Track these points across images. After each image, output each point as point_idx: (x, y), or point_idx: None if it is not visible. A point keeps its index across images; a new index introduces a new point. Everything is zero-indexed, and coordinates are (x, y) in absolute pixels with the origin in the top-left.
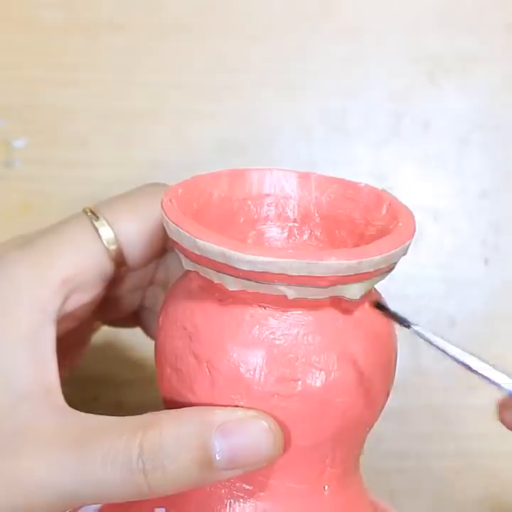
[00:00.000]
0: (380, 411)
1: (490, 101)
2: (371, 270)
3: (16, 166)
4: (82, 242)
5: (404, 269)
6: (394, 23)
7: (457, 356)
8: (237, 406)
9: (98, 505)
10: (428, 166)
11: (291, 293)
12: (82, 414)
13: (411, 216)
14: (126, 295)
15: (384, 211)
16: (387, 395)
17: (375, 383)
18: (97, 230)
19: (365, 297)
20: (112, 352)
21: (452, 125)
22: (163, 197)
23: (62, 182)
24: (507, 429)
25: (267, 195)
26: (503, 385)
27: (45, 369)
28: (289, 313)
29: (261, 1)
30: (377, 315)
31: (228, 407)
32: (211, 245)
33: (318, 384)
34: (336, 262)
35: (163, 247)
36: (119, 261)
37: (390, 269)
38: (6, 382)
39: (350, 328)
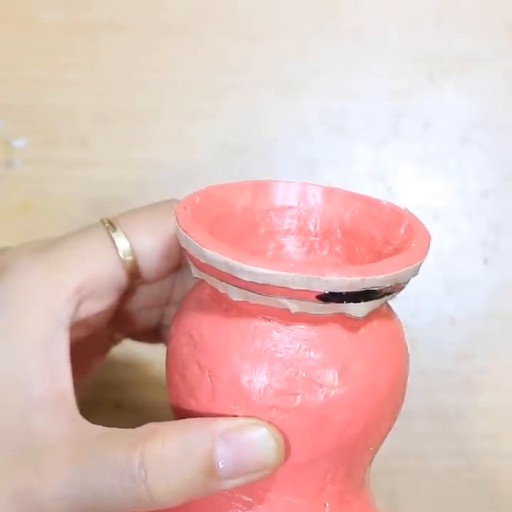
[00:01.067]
0: (386, 432)
1: (490, 101)
2: (375, 289)
3: (15, 166)
4: (97, 251)
5: None
6: (394, 22)
7: None
8: (236, 416)
9: None
10: (428, 165)
11: (293, 307)
12: (91, 425)
13: (427, 237)
14: (142, 310)
15: (402, 230)
16: (394, 415)
17: (378, 402)
18: (113, 240)
19: (372, 315)
20: (112, 353)
21: (452, 125)
22: (179, 203)
23: (62, 182)
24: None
25: (290, 207)
26: None
27: (58, 377)
28: (292, 327)
29: (261, 1)
30: (386, 334)
31: (230, 417)
32: (216, 254)
33: (318, 400)
34: (337, 279)
35: (179, 262)
36: (134, 273)
37: (400, 288)
38: (20, 391)
39: (354, 346)
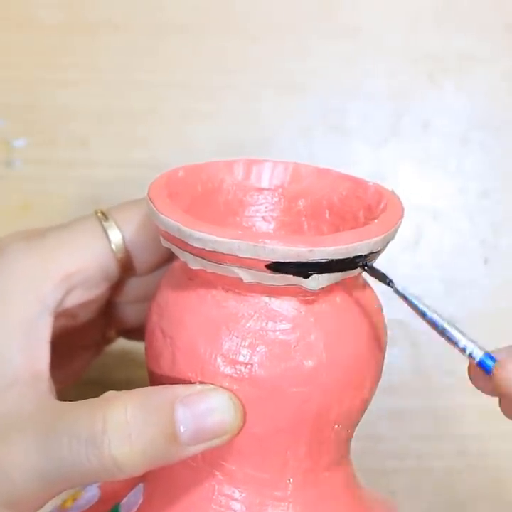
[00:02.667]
0: (355, 410)
1: (489, 100)
2: (324, 261)
3: (16, 166)
4: (88, 241)
5: (404, 269)
6: (393, 22)
7: (434, 320)
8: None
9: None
10: (427, 165)
11: (245, 276)
12: (60, 402)
13: (397, 215)
14: (133, 303)
15: (379, 210)
16: (362, 393)
17: (339, 379)
18: (105, 230)
19: (335, 289)
20: (111, 352)
21: (452, 125)
22: (150, 193)
23: (62, 182)
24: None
25: (280, 186)
26: (473, 354)
27: (36, 357)
28: (248, 298)
29: (260, 1)
30: (351, 309)
31: (188, 384)
32: (169, 220)
33: (272, 371)
34: (283, 248)
35: (170, 256)
36: (126, 264)
37: (357, 264)
38: None
39: (312, 320)
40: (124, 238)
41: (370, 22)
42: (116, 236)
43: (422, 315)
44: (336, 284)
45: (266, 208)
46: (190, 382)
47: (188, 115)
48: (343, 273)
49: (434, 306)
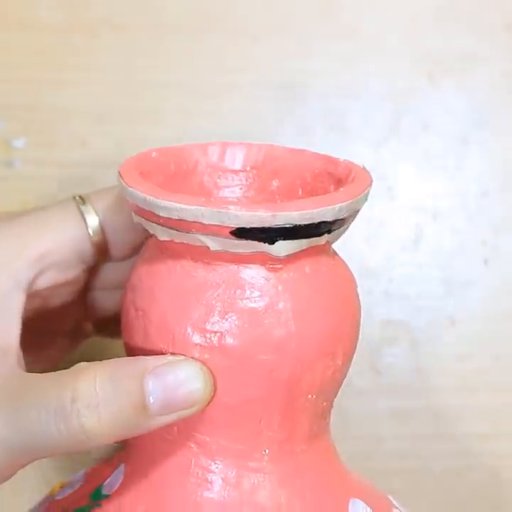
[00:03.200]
0: (329, 380)
1: (489, 101)
2: (288, 226)
3: (15, 166)
4: (64, 222)
5: (403, 269)
6: (393, 22)
7: None
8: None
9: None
10: (427, 165)
11: (211, 244)
12: (30, 374)
13: (364, 184)
14: (110, 290)
15: (349, 182)
16: (335, 363)
17: (309, 347)
18: (82, 213)
19: (302, 256)
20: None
21: (452, 125)
22: (121, 169)
23: (62, 182)
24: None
25: (254, 167)
26: None
27: (6, 331)
28: (215, 266)
29: (261, 1)
30: (320, 277)
31: (158, 355)
32: (135, 191)
33: (240, 339)
34: (247, 213)
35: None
36: (101, 248)
37: (323, 230)
38: None
39: (279, 287)
40: (100, 222)
41: (370, 22)
42: (92, 219)
43: None
44: (305, 252)
45: (240, 189)
46: (163, 354)
47: (188, 115)
48: (310, 240)
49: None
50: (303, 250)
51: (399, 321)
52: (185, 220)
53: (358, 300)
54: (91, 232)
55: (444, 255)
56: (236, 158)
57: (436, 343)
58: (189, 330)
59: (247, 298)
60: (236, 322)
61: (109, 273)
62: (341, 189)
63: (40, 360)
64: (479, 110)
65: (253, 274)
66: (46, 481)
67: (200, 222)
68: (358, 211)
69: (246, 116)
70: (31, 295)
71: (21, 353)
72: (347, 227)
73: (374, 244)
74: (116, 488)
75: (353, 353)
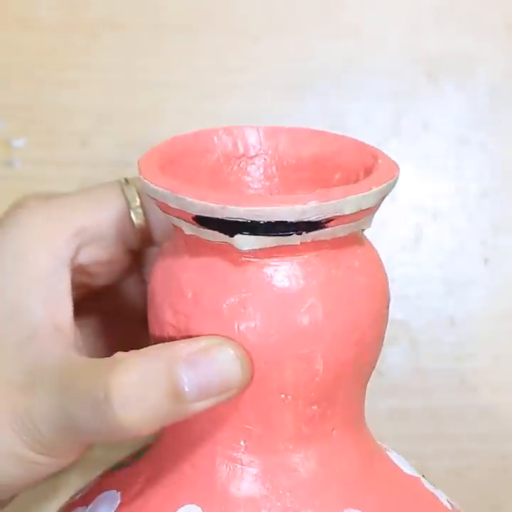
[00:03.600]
0: (300, 382)
1: (490, 101)
2: (241, 221)
3: (15, 166)
4: (105, 202)
5: (403, 269)
6: (393, 22)
7: None
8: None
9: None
10: (428, 165)
11: (186, 229)
12: (79, 356)
13: (348, 190)
14: None
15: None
16: (310, 366)
17: (276, 346)
18: (125, 194)
19: (273, 252)
20: None
21: (452, 125)
22: (140, 166)
23: (62, 182)
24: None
25: (223, 155)
26: None
27: (57, 309)
28: (192, 253)
29: (261, 1)
30: (285, 278)
31: (192, 339)
32: (146, 181)
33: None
34: (199, 202)
35: None
36: (144, 231)
37: (290, 231)
38: (19, 321)
39: (240, 281)
40: (142, 205)
41: (371, 22)
42: (135, 201)
43: None
44: (277, 249)
45: (243, 175)
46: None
47: (188, 115)
48: (276, 238)
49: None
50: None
51: (399, 321)
52: (161, 202)
53: (371, 306)
54: (133, 213)
55: (444, 255)
56: (238, 144)
57: (436, 343)
58: (168, 313)
59: (208, 287)
60: (200, 307)
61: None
62: (317, 190)
63: (110, 344)
64: (479, 110)
65: (216, 264)
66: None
67: (167, 205)
68: (345, 215)
69: (246, 116)
70: (76, 270)
71: (77, 332)
72: (351, 226)
73: (374, 244)
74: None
75: (347, 361)
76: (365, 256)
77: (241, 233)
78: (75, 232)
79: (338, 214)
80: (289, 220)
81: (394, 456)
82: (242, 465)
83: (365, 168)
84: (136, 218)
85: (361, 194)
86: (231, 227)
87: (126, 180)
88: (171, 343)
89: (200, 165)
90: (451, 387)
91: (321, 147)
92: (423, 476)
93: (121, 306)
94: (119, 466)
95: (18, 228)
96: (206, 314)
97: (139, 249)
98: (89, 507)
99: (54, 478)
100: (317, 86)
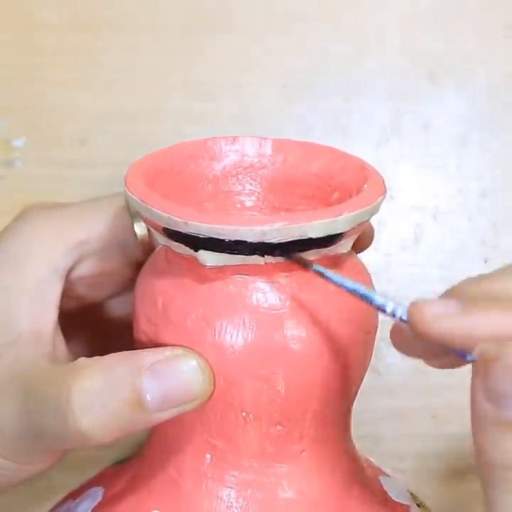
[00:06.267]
0: (260, 401)
1: (490, 101)
2: (205, 237)
3: (15, 165)
4: (107, 212)
5: (403, 269)
6: (394, 22)
7: (355, 289)
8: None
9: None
10: (428, 166)
11: (160, 239)
12: (52, 366)
13: (309, 216)
14: None
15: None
16: (271, 386)
17: (235, 365)
18: (127, 203)
19: (231, 271)
20: None
21: (452, 125)
22: (126, 177)
23: (62, 182)
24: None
25: (229, 165)
26: (397, 312)
27: (41, 318)
28: (168, 263)
29: (262, 1)
30: (243, 296)
31: (156, 348)
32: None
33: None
34: (163, 214)
35: None
36: (147, 245)
37: (252, 251)
38: (3, 326)
39: (203, 296)
40: None
41: (371, 22)
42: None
43: (345, 288)
44: (240, 268)
45: (220, 189)
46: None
47: (188, 115)
48: (239, 257)
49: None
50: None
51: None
52: (137, 211)
53: (343, 333)
54: (136, 225)
55: (444, 255)
56: (205, 159)
57: None
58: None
59: (175, 300)
60: (168, 319)
61: None
62: (282, 213)
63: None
64: (479, 110)
65: (184, 277)
66: None
67: (141, 214)
68: (311, 239)
69: (246, 116)
70: (73, 282)
71: (61, 343)
72: (322, 251)
73: (374, 244)
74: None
75: (313, 384)
76: None
77: (204, 249)
78: (75, 244)
79: (302, 237)
80: (249, 240)
81: (387, 482)
82: (206, 478)
83: (358, 190)
84: (140, 231)
85: (329, 219)
86: (194, 242)
87: None
88: (135, 351)
89: (205, 173)
90: (450, 387)
91: (327, 165)
92: (419, 504)
93: (120, 317)
94: (116, 464)
95: (19, 237)
96: (173, 325)
97: (142, 261)
98: (76, 500)
99: (51, 478)
100: (317, 86)
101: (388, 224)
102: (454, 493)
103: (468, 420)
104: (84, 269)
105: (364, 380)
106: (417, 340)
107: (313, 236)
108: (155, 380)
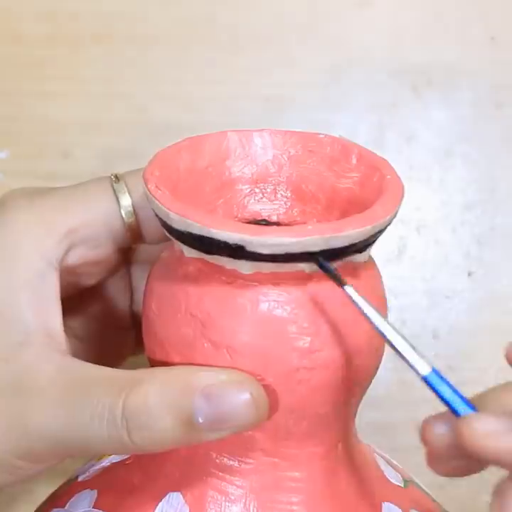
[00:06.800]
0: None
1: (473, 113)
2: (237, 246)
3: None
4: (95, 199)
5: (387, 282)
6: (378, 35)
7: (382, 329)
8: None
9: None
10: (412, 178)
11: (308, 268)
12: (81, 362)
13: (393, 173)
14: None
15: (354, 161)
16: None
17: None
18: (115, 192)
19: (262, 278)
20: None
21: (436, 137)
22: (148, 185)
23: None
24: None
25: (226, 159)
26: (420, 372)
27: (47, 314)
28: (306, 288)
29: (246, 12)
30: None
31: (214, 368)
32: (228, 233)
33: (339, 351)
34: (354, 232)
35: None
36: (134, 229)
37: (287, 258)
38: (8, 326)
39: (360, 291)
40: (133, 202)
41: (355, 34)
42: (125, 199)
43: (372, 323)
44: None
45: (220, 184)
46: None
47: (171, 127)
48: (278, 265)
49: (393, 322)
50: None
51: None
52: (291, 253)
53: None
54: (123, 211)
55: (427, 268)
56: (205, 154)
57: None
58: (288, 355)
59: (337, 312)
60: (333, 337)
61: (144, 253)
62: (309, 226)
63: (99, 350)
64: (463, 123)
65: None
66: None
67: (309, 252)
68: (335, 249)
69: (228, 128)
70: (64, 271)
71: (64, 336)
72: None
73: None
74: None
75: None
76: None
77: (240, 258)
78: (64, 234)
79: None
80: (256, 249)
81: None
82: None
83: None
84: (127, 217)
85: (370, 226)
86: (229, 250)
87: (116, 176)
88: (192, 368)
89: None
90: (434, 400)
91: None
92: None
93: (107, 302)
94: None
95: (7, 227)
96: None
97: (129, 247)
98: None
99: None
100: (301, 98)
101: None
102: (442, 505)
103: None
104: (74, 258)
105: None
106: (456, 457)
107: (347, 244)
108: (207, 403)
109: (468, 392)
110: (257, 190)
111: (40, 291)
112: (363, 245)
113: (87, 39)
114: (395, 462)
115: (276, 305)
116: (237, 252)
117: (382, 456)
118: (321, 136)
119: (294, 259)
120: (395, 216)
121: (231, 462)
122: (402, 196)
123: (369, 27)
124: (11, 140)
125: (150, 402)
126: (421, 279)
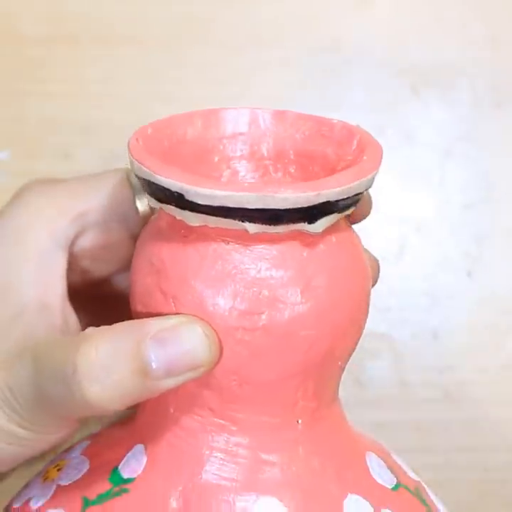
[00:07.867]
0: (353, 343)
1: (473, 113)
2: (331, 202)
3: (0, 178)
4: (108, 185)
5: (387, 281)
6: (377, 34)
7: None
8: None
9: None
10: (411, 177)
11: (251, 228)
12: (57, 336)
13: (378, 149)
14: None
15: (354, 146)
16: (360, 326)
17: (343, 316)
18: (129, 178)
19: (331, 230)
20: None
21: (435, 137)
22: (132, 136)
23: None
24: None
25: (241, 133)
26: None
27: (48, 288)
28: (251, 248)
29: (242, 13)
30: (345, 248)
31: (161, 317)
32: (170, 181)
33: (283, 318)
34: (293, 195)
35: None
36: (148, 217)
37: (353, 202)
38: (8, 298)
39: (314, 262)
40: None
41: (354, 34)
42: (140, 188)
43: None
44: (332, 225)
45: (231, 155)
46: None
47: None
48: (340, 214)
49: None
50: (332, 224)
51: (382, 334)
52: (227, 207)
53: (368, 267)
54: (138, 200)
55: (427, 267)
56: (222, 126)
57: (420, 355)
58: (229, 314)
59: (286, 277)
60: (277, 302)
61: None
62: (365, 157)
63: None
64: (463, 122)
65: (290, 252)
66: None
67: (245, 208)
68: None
69: None
70: (77, 255)
71: (71, 315)
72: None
73: None
74: (141, 470)
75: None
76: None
77: (322, 216)
78: (76, 216)
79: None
80: (358, 194)
81: (372, 460)
82: (297, 443)
83: (334, 142)
84: (141, 205)
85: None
86: (316, 212)
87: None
88: (140, 320)
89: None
90: (434, 400)
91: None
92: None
93: (120, 297)
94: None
95: (20, 208)
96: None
97: None
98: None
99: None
100: (299, 98)
101: (371, 236)
102: None
103: (451, 433)
104: (86, 241)
105: (347, 392)
106: None
107: (288, 207)
108: (160, 348)
109: (469, 392)
110: (269, 167)
111: (44, 267)
112: (309, 214)
113: (87, 39)
114: (401, 465)
115: (221, 262)
116: (180, 201)
117: (387, 456)
118: (334, 121)
119: (233, 215)
120: (344, 195)
121: (184, 418)
122: (363, 178)
123: (369, 27)
124: (11, 140)
125: (100, 354)
126: (420, 279)
